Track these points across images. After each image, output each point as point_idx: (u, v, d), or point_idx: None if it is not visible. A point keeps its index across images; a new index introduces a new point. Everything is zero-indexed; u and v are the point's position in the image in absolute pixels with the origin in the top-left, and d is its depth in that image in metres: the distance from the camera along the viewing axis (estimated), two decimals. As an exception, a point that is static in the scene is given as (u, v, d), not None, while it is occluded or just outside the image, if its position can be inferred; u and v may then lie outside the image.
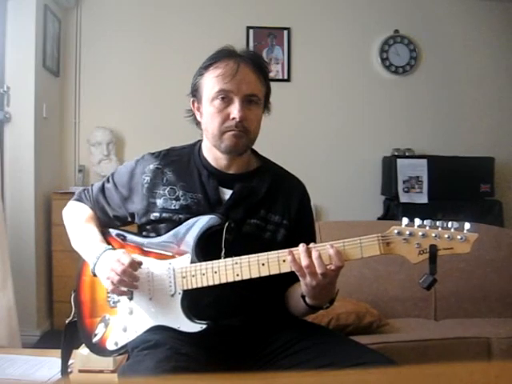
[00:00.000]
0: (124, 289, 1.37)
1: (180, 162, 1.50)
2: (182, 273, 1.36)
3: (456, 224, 1.22)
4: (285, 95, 3.79)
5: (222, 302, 1.39)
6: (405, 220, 1.25)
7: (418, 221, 1.24)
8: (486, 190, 3.85)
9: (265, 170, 1.51)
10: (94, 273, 1.42)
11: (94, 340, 1.48)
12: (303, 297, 1.35)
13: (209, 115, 1.44)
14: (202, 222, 1.38)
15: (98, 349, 1.48)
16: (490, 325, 2.36)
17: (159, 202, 1.46)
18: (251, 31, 3.98)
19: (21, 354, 2.10)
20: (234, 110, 1.39)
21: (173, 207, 1.44)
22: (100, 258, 1.40)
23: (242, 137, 1.41)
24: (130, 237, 1.50)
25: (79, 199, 1.61)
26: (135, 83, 3.89)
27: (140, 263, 1.38)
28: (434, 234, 1.22)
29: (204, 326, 1.33)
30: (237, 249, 1.35)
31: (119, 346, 1.44)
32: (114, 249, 1.43)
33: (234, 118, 1.39)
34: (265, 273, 1.30)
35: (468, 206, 3.71)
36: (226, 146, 1.42)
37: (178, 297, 1.37)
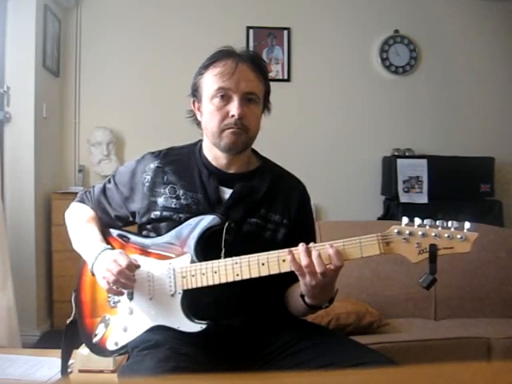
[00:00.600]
0: (120, 289, 1.38)
1: (180, 162, 1.51)
2: (182, 273, 1.37)
3: (456, 223, 1.22)
4: (285, 95, 3.79)
5: (222, 301, 1.39)
6: (405, 219, 1.25)
7: (417, 220, 1.24)
8: (486, 190, 3.85)
9: (265, 170, 1.52)
10: (93, 272, 1.42)
11: (95, 340, 1.48)
12: (302, 296, 1.35)
13: (208, 113, 1.44)
14: (204, 222, 1.38)
15: (99, 349, 1.48)
16: (489, 325, 2.36)
17: (160, 200, 1.46)
18: (251, 31, 3.98)
19: (21, 353, 2.10)
20: (233, 108, 1.40)
21: (173, 206, 1.44)
22: (98, 258, 1.40)
23: (241, 134, 1.42)
24: (130, 237, 1.50)
25: (81, 200, 1.61)
26: (135, 83, 3.89)
27: (138, 266, 1.38)
28: (433, 234, 1.22)
29: (204, 326, 1.33)
30: (237, 248, 1.35)
31: (119, 346, 1.44)
32: (113, 249, 1.44)
33: (233, 116, 1.40)
34: (265, 273, 1.30)
35: (468, 205, 3.70)
36: (225, 144, 1.43)
37: (178, 297, 1.37)
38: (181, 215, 1.43)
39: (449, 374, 0.60)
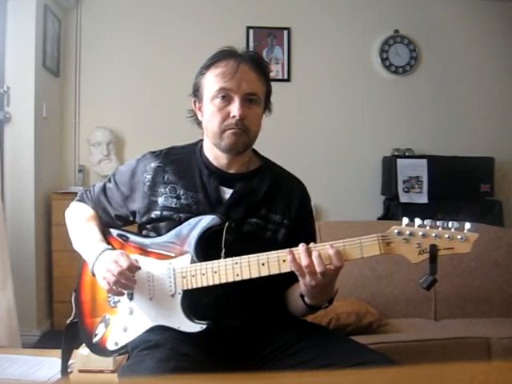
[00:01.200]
0: (120, 289, 1.38)
1: (181, 161, 1.51)
2: (182, 273, 1.37)
3: (456, 224, 1.21)
4: (285, 95, 3.79)
5: (222, 302, 1.39)
6: (405, 220, 1.25)
7: (418, 220, 1.24)
8: (486, 190, 3.85)
9: (265, 170, 1.52)
10: (93, 272, 1.42)
11: (95, 340, 1.48)
12: (302, 297, 1.35)
13: (209, 114, 1.44)
14: (204, 222, 1.38)
15: (99, 349, 1.48)
16: (490, 325, 2.37)
17: (160, 200, 1.46)
18: (251, 31, 3.98)
19: (21, 353, 2.10)
20: (234, 109, 1.40)
21: (173, 205, 1.44)
22: (99, 258, 1.40)
23: (242, 135, 1.42)
24: (130, 237, 1.50)
25: (81, 200, 1.61)
26: (135, 83, 3.89)
27: (138, 267, 1.38)
28: (434, 234, 1.22)
29: (204, 326, 1.33)
30: (237, 248, 1.35)
31: (119, 345, 1.44)
32: (113, 249, 1.44)
33: (234, 117, 1.40)
34: (265, 273, 1.30)
35: (468, 206, 3.71)
36: (225, 145, 1.43)
37: (178, 297, 1.37)
38: (181, 215, 1.43)
39: (449, 374, 0.60)
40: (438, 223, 1.22)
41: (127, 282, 1.34)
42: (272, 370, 1.36)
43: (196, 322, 1.34)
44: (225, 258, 1.35)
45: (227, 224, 1.39)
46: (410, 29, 4.10)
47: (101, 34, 3.87)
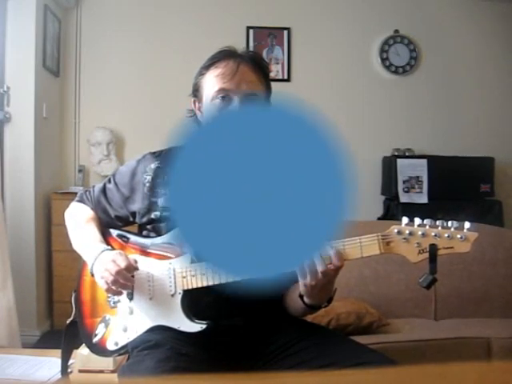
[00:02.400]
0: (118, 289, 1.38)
1: (181, 162, 1.51)
2: (183, 273, 1.37)
3: (456, 223, 1.21)
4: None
5: (222, 302, 1.39)
6: (405, 219, 1.25)
7: (417, 220, 1.24)
8: (486, 190, 3.85)
9: (265, 170, 1.51)
10: (92, 273, 1.42)
11: (95, 340, 1.48)
12: (301, 296, 1.35)
13: (209, 114, 1.44)
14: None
15: (99, 349, 1.48)
16: (490, 325, 2.36)
17: (160, 201, 1.46)
18: (251, 31, 3.98)
19: (21, 354, 2.10)
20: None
21: (173, 206, 1.44)
22: (98, 259, 1.40)
23: (242, 136, 1.42)
24: (130, 237, 1.50)
25: (81, 200, 1.61)
26: (135, 83, 3.90)
27: (136, 268, 1.38)
28: (433, 233, 1.22)
29: (204, 326, 1.33)
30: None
31: (119, 346, 1.44)
32: (113, 249, 1.44)
33: (234, 117, 1.40)
34: (265, 272, 1.30)
35: (468, 205, 3.70)
36: (225, 146, 1.43)
37: (178, 297, 1.37)
38: (181, 215, 1.43)
39: (449, 374, 0.60)
40: (438, 223, 1.22)
41: (125, 281, 1.34)
42: (272, 369, 1.36)
43: (196, 322, 1.34)
44: (225, 257, 1.35)
45: (227, 224, 1.39)
46: (410, 29, 4.10)
47: (101, 34, 3.87)
